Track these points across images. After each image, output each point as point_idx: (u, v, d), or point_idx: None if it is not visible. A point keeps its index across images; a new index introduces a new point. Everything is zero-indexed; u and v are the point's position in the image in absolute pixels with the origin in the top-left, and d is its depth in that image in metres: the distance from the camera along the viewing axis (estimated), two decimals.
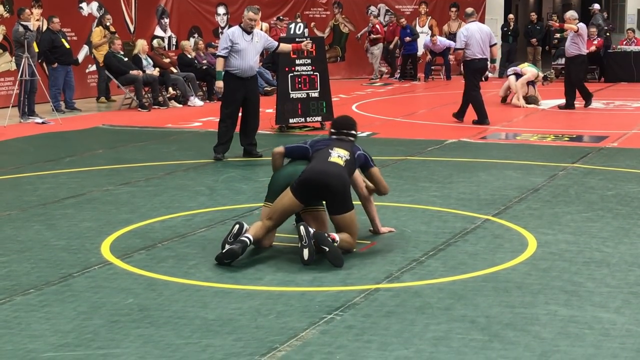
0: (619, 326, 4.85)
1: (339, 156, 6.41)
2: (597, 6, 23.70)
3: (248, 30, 10.44)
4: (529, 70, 16.69)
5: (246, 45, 10.36)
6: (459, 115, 14.21)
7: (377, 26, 23.25)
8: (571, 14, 16.22)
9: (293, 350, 4.53)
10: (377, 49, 23.17)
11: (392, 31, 23.41)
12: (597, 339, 4.66)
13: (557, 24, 17.75)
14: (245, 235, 6.17)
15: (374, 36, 23.03)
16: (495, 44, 13.89)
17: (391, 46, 23.33)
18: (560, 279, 5.73)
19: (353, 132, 6.74)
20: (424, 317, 5.00)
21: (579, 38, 15.74)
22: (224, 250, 6.11)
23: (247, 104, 10.67)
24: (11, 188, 9.03)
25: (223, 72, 10.51)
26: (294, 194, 6.25)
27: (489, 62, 14.32)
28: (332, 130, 6.75)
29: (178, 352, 4.52)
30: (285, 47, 11.19)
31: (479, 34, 13.65)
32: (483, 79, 15.85)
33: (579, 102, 16.23)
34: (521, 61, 23.00)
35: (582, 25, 15.96)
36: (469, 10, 14.56)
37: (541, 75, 16.57)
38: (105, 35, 17.81)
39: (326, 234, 6.11)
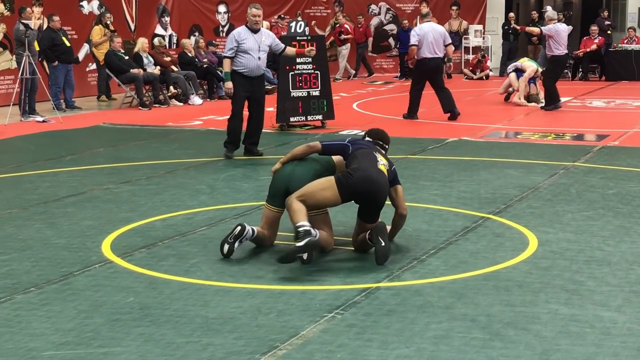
0: (620, 325, 4.84)
1: (383, 164, 6.34)
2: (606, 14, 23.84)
3: (254, 29, 10.39)
4: (528, 65, 16.65)
5: (252, 44, 10.30)
6: (411, 114, 14.58)
7: (346, 26, 23.06)
8: (549, 14, 15.99)
9: (294, 348, 4.53)
10: (345, 49, 23.03)
11: (363, 32, 23.19)
12: (598, 337, 4.65)
13: (519, 28, 17.96)
14: (308, 231, 5.90)
15: (344, 36, 22.86)
16: (450, 43, 14.25)
17: (369, 48, 23.23)
18: (561, 277, 5.73)
19: (387, 146, 6.72)
20: (425, 316, 4.99)
21: (550, 40, 15.50)
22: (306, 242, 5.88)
23: (252, 103, 10.65)
24: (12, 186, 9.03)
25: (230, 73, 10.45)
26: (340, 193, 6.11)
27: (447, 61, 14.83)
28: (369, 138, 6.70)
29: (179, 350, 4.52)
30: (290, 50, 11.03)
31: (432, 34, 13.97)
32: (446, 76, 16.56)
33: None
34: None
35: (552, 27, 15.43)
36: (424, 10, 15.27)
37: (540, 70, 16.52)
38: (105, 34, 17.80)
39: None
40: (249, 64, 10.32)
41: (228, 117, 10.81)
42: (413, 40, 14.06)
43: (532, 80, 16.56)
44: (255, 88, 10.52)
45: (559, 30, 15.47)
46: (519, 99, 16.44)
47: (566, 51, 15.97)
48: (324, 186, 6.12)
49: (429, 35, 13.93)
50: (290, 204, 6.05)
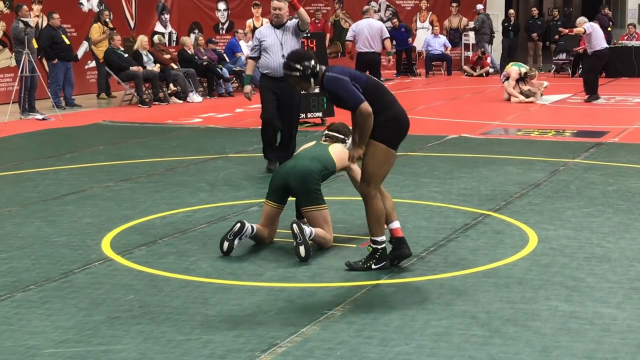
0: (620, 321, 4.84)
1: None
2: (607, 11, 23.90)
3: (277, 24, 9.35)
4: (512, 70, 16.75)
5: (273, 41, 9.27)
6: None
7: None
8: (580, 19, 16.94)
9: (294, 346, 4.53)
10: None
11: (321, 28, 22.18)
12: (598, 334, 4.65)
13: (567, 30, 18.36)
14: None
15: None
16: (387, 37, 14.95)
17: (326, 44, 22.18)
18: (561, 274, 5.73)
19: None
20: (425, 313, 4.99)
21: (589, 37, 16.32)
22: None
23: (281, 109, 9.33)
24: (12, 184, 9.03)
25: (251, 76, 9.74)
26: (396, 148, 5.92)
27: (387, 54, 15.73)
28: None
29: (179, 348, 4.52)
30: (302, 13, 9.35)
31: (367, 30, 14.79)
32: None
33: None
34: (521, 56, 23.06)
35: (588, 25, 16.31)
36: (365, 8, 16.33)
37: (523, 70, 16.56)
38: (104, 32, 17.78)
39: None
40: (270, 64, 9.26)
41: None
42: (349, 36, 15.28)
43: (520, 79, 16.58)
44: (283, 91, 9.15)
45: (594, 27, 16.47)
46: (517, 98, 16.41)
47: (606, 45, 16.89)
48: (381, 159, 5.79)
49: (364, 31, 14.81)
50: (371, 200, 5.75)
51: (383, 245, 5.83)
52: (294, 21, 9.41)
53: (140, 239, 6.72)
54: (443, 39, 22.96)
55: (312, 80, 5.81)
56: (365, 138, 5.73)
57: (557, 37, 22.34)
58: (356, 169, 6.80)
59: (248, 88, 9.61)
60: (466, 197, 8.12)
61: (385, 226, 5.90)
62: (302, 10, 9.32)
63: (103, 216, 7.51)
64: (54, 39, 15.85)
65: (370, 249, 5.85)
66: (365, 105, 5.64)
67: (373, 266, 5.81)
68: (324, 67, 5.86)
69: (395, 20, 22.97)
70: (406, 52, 22.66)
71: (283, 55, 8.67)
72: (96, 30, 17.86)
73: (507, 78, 16.71)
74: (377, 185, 5.79)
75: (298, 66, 5.79)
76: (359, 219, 7.19)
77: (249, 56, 9.61)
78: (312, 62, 5.80)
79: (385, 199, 5.90)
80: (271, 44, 9.25)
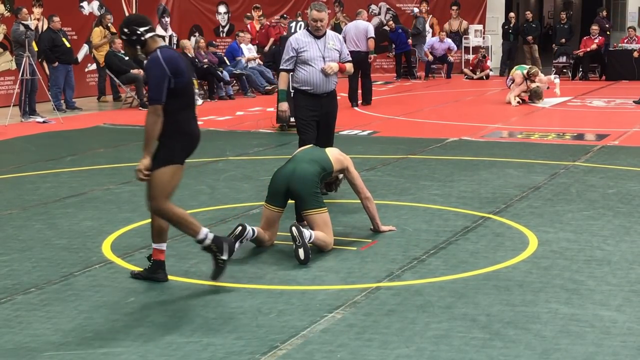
0: (620, 324, 4.84)
1: None
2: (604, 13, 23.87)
3: (317, 34, 7.87)
4: (516, 74, 16.77)
5: (315, 53, 7.81)
6: (354, 99, 16.31)
7: (249, 26, 21.41)
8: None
9: (294, 348, 4.53)
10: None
11: (265, 34, 21.20)
12: (598, 337, 4.66)
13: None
14: None
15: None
16: (371, 37, 16.00)
17: (266, 49, 20.79)
18: (561, 277, 5.73)
19: None
20: (425, 316, 5.00)
21: None
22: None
23: (320, 127, 7.94)
24: (12, 187, 9.04)
25: (286, 91, 8.14)
26: (181, 161, 5.71)
27: (370, 53, 16.36)
28: None
29: (179, 351, 4.52)
30: (349, 67, 8.15)
31: (354, 31, 16.08)
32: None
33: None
34: (521, 59, 23.05)
35: None
36: (358, 10, 17.32)
37: (525, 72, 16.60)
38: (105, 36, 17.79)
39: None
40: (311, 79, 7.81)
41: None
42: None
43: (528, 78, 16.58)
44: (324, 109, 7.90)
45: None
46: (516, 100, 16.40)
47: None
48: (169, 176, 5.66)
49: (351, 32, 16.05)
50: (167, 212, 5.65)
51: (210, 238, 5.53)
52: (339, 35, 8.20)
53: (141, 242, 6.72)
54: (448, 42, 22.91)
55: (138, 47, 5.58)
56: (149, 145, 5.47)
57: (563, 40, 22.34)
58: (353, 171, 6.82)
59: (285, 106, 8.06)
60: (466, 199, 8.12)
61: (154, 244, 5.69)
62: (347, 67, 8.08)
63: (103, 219, 7.51)
64: (55, 42, 15.85)
65: (206, 250, 5.59)
66: (158, 109, 5.41)
67: (224, 256, 5.53)
68: (161, 42, 5.60)
69: (391, 22, 22.95)
70: (406, 55, 22.65)
71: (320, 58, 7.82)
72: (97, 34, 17.86)
73: (513, 81, 16.71)
74: (167, 199, 5.61)
75: (126, 30, 5.57)
76: (359, 222, 7.20)
77: (282, 68, 7.96)
78: (143, 29, 5.54)
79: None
80: (312, 56, 7.80)
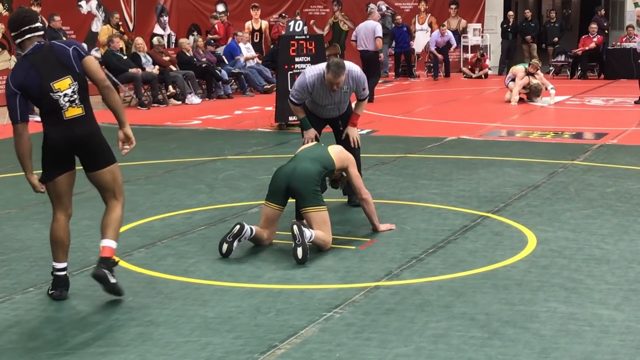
0: (619, 323, 4.84)
1: None
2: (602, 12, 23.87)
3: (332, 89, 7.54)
4: (517, 69, 16.74)
5: (326, 101, 7.63)
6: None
7: (216, 26, 20.70)
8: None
9: (292, 348, 4.53)
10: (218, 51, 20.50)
11: (226, 32, 20.69)
12: (596, 336, 4.66)
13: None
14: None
15: (211, 36, 20.25)
16: (378, 36, 16.48)
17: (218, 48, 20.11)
18: (560, 276, 5.73)
19: None
20: (424, 315, 4.99)
21: None
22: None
23: (335, 130, 7.93)
24: (10, 186, 9.03)
25: (306, 119, 7.76)
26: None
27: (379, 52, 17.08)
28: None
29: (178, 350, 4.52)
30: (362, 107, 8.02)
31: (364, 30, 16.67)
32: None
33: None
34: (520, 58, 23.04)
35: None
36: (369, 10, 18.25)
37: (527, 67, 16.60)
38: (112, 34, 17.75)
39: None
40: (321, 113, 7.78)
41: None
42: (352, 36, 17.45)
43: (530, 74, 16.56)
44: (334, 121, 7.88)
45: None
46: (516, 97, 16.40)
47: None
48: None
49: (361, 32, 16.72)
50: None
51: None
52: (353, 73, 7.62)
53: (139, 241, 6.72)
54: (449, 36, 22.82)
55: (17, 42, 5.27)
56: (22, 165, 5.35)
57: (556, 39, 22.37)
58: (353, 171, 6.82)
59: (312, 133, 7.66)
60: (465, 198, 8.12)
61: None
62: (360, 113, 7.94)
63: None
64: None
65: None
66: (17, 129, 5.17)
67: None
68: (33, 44, 5.22)
69: (399, 18, 22.89)
70: (405, 54, 22.64)
71: (336, 108, 7.73)
72: (105, 32, 17.80)
73: (513, 79, 16.67)
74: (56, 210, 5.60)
75: (13, 23, 5.28)
76: (357, 221, 7.20)
77: (295, 102, 7.60)
78: (28, 27, 5.20)
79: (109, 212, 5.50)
80: (323, 99, 7.61)
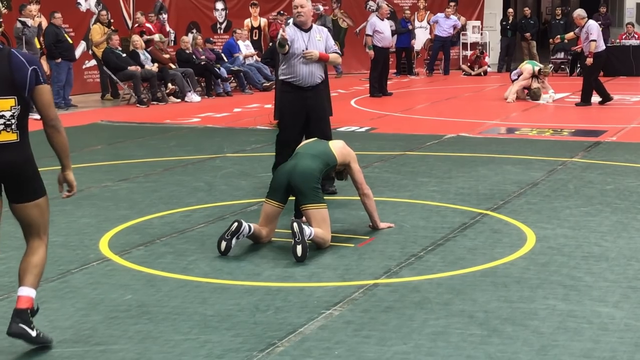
0: (618, 320, 4.85)
1: None
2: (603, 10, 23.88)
3: (302, 26, 7.84)
4: (525, 68, 16.66)
5: (299, 45, 7.74)
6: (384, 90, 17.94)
7: (148, 25, 19.45)
8: (578, 12, 16.20)
9: (291, 345, 4.53)
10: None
11: (157, 30, 19.58)
12: (595, 333, 4.66)
13: (558, 40, 18.84)
14: None
15: (147, 37, 19.01)
16: (392, 30, 18.66)
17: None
18: (559, 273, 5.73)
19: None
20: (423, 312, 4.99)
21: (585, 37, 15.62)
22: None
23: (311, 123, 7.90)
24: None
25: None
26: None
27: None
28: None
29: (177, 348, 4.52)
30: (335, 58, 8.14)
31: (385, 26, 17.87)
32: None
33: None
34: (519, 56, 23.03)
35: (588, 24, 15.65)
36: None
37: (537, 69, 16.49)
38: (105, 32, 17.75)
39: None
40: (298, 71, 7.79)
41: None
42: (368, 31, 18.16)
43: (535, 76, 16.50)
44: (310, 102, 7.86)
45: (591, 28, 15.65)
46: (513, 96, 16.36)
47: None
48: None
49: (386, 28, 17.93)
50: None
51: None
52: (324, 29, 8.20)
53: (139, 239, 6.72)
54: (453, 19, 22.71)
55: None
56: None
57: (557, 39, 22.32)
58: (355, 166, 6.81)
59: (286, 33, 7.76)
60: (464, 196, 8.12)
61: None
62: (331, 57, 8.03)
63: (101, 216, 7.50)
64: (58, 37, 15.90)
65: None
66: None
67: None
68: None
69: (408, 11, 22.87)
70: (405, 51, 22.61)
71: (306, 50, 7.76)
72: (97, 32, 17.79)
73: (519, 76, 16.61)
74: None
75: None
76: (356, 219, 7.20)
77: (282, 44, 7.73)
78: None
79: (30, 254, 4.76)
80: (297, 48, 7.75)
